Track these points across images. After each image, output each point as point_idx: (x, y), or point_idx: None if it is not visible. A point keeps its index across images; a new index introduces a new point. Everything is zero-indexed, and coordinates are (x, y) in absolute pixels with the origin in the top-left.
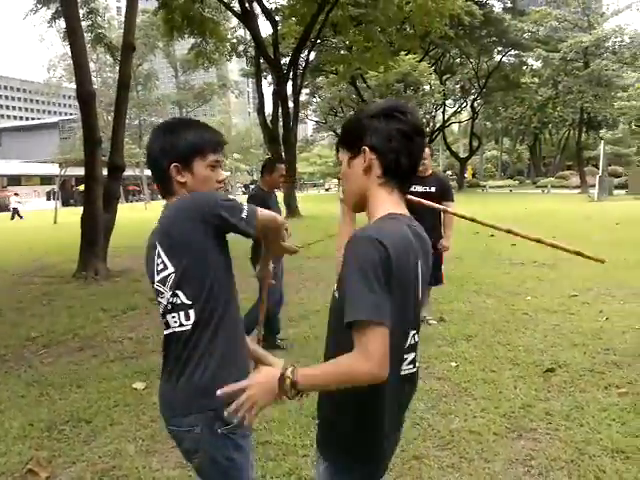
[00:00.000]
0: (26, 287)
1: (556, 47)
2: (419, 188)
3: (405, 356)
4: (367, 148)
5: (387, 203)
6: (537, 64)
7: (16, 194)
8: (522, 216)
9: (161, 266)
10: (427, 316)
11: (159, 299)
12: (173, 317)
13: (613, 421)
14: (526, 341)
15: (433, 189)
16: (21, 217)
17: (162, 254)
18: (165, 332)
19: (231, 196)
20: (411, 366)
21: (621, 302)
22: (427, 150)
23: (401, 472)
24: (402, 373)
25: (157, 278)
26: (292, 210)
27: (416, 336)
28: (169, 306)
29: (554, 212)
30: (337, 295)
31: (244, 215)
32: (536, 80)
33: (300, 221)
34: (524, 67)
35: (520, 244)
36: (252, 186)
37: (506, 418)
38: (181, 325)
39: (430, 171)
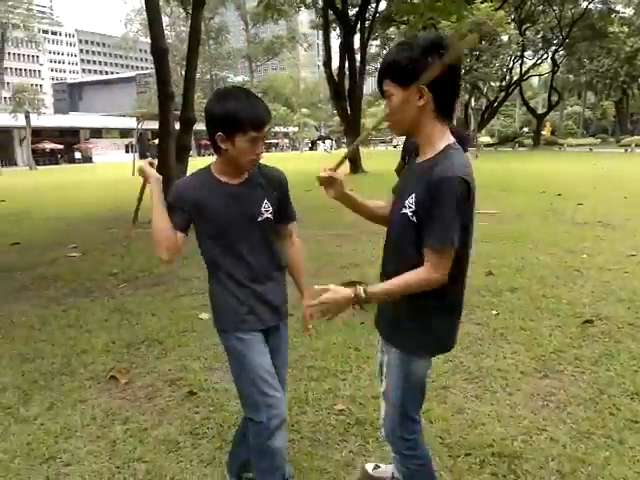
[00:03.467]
0: (108, 231)
1: None
2: None
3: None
4: (425, 86)
5: (443, 134)
6: (628, 11)
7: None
8: (595, 176)
9: None
10: None
11: None
12: None
13: None
14: (571, 295)
15: None
16: None
17: None
18: None
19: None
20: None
21: None
22: None
23: (429, 398)
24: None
25: None
26: (356, 166)
27: None
28: None
29: (632, 172)
30: (415, 220)
31: None
32: (625, 29)
33: (363, 177)
34: (612, 15)
35: (587, 204)
36: (320, 142)
37: (535, 361)
38: None
39: None
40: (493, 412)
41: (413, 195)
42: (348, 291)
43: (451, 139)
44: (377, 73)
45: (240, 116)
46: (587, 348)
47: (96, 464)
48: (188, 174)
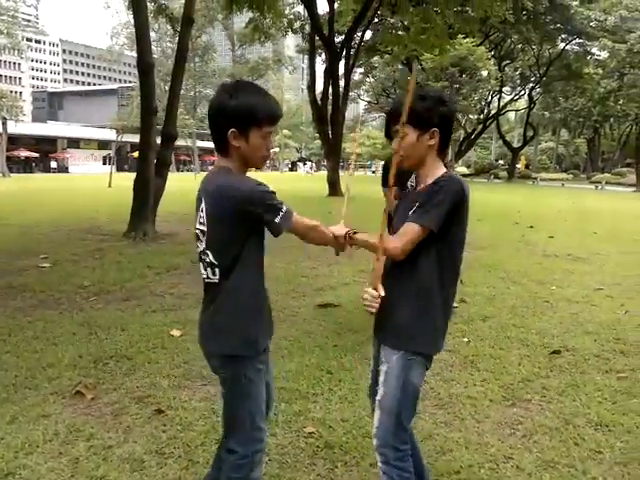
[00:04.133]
0: (81, 242)
1: (624, 38)
2: None
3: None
4: (437, 130)
5: (441, 166)
6: (602, 54)
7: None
8: (567, 210)
9: (202, 220)
10: None
11: (197, 243)
12: (204, 268)
13: (605, 399)
14: (540, 326)
15: None
16: None
17: (204, 212)
18: (202, 276)
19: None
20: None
21: None
22: None
23: None
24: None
25: (197, 226)
26: (335, 189)
27: None
28: (201, 257)
29: (602, 208)
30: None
31: (277, 219)
32: (600, 71)
33: (342, 200)
34: (588, 57)
35: (558, 237)
36: (300, 163)
37: (504, 389)
38: (209, 277)
39: None
40: (461, 439)
41: (414, 206)
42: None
43: (444, 169)
44: (387, 115)
45: (257, 109)
46: (554, 378)
47: None
48: (228, 176)
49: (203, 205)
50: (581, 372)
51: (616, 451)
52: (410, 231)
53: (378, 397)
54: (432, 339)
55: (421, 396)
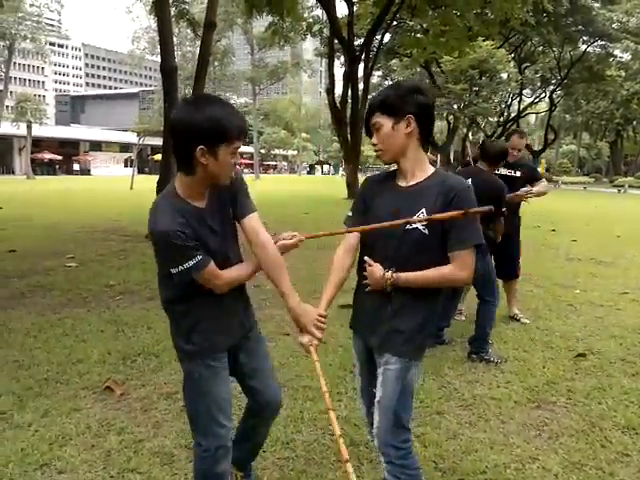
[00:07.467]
0: (106, 243)
1: None
2: (503, 171)
3: None
4: (412, 116)
5: (425, 159)
6: (625, 56)
7: None
8: (589, 213)
9: None
10: (518, 313)
11: None
12: None
13: (632, 403)
14: (564, 329)
15: (518, 174)
16: None
17: None
18: None
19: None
20: None
21: None
22: (520, 139)
23: (423, 422)
24: None
25: None
26: (354, 192)
27: None
28: None
29: (625, 212)
30: (427, 232)
31: (174, 271)
32: (622, 73)
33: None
34: (610, 59)
35: (581, 240)
36: (318, 166)
37: (528, 391)
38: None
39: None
40: (486, 439)
41: (423, 210)
42: (381, 272)
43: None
44: (365, 113)
45: (225, 124)
46: (579, 381)
47: (90, 473)
48: (158, 206)
49: None
50: (607, 375)
51: None
52: (469, 256)
53: (377, 398)
54: (424, 343)
55: (445, 396)
